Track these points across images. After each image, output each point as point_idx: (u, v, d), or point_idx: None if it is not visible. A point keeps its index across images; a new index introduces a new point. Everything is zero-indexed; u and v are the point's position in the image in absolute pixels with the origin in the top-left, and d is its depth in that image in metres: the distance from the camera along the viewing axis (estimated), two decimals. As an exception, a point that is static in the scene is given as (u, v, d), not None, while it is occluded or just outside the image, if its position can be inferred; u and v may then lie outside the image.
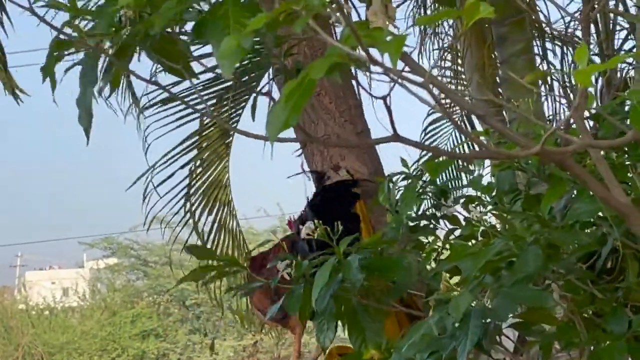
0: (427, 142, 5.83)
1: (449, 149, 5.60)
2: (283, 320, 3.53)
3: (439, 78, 6.06)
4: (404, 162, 2.47)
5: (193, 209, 5.15)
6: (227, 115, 5.02)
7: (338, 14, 1.33)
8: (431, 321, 1.93)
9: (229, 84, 4.90)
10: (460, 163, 4.98)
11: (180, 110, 4.98)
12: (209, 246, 5.32)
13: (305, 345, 18.46)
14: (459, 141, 5.86)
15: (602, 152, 1.96)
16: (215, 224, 5.34)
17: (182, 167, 5.06)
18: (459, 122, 6.01)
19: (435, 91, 1.55)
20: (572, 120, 1.78)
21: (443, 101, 6.01)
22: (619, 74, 4.80)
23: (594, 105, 2.37)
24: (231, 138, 5.14)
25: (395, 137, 1.46)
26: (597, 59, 5.13)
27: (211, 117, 4.80)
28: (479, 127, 5.75)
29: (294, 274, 2.37)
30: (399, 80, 1.44)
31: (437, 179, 2.44)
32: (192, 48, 1.83)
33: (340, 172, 3.00)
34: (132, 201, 5.31)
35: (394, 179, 2.45)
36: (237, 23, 1.48)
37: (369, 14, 1.48)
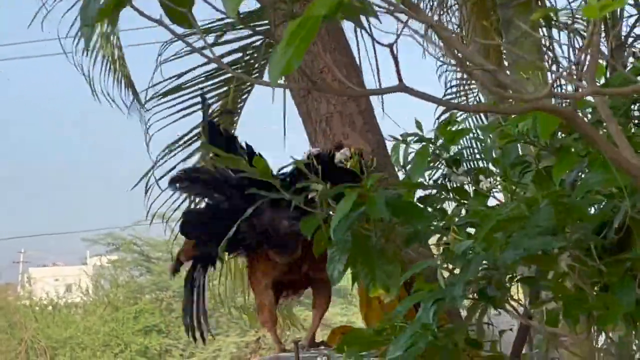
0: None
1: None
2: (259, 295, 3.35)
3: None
4: (418, 124, 2.40)
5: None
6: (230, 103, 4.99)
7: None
8: (433, 265, 1.91)
9: (229, 75, 4.87)
10: (474, 133, 4.93)
11: (183, 102, 4.96)
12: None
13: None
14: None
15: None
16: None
17: (185, 159, 5.02)
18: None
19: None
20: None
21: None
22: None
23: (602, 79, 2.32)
24: (234, 129, 5.11)
25: (402, 87, 1.40)
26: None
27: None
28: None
29: (317, 197, 2.31)
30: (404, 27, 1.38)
31: (450, 148, 2.38)
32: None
33: (343, 150, 2.95)
34: (134, 197, 5.27)
35: (408, 139, 2.38)
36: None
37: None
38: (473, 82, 5.88)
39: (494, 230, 1.83)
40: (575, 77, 1.45)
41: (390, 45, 1.40)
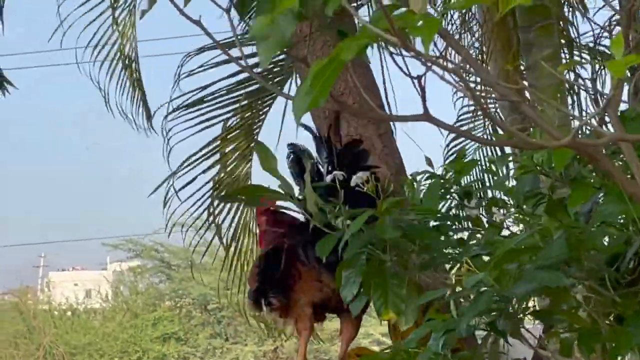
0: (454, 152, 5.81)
1: (475, 156, 5.57)
2: (284, 310, 3.31)
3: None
4: (427, 160, 2.45)
5: (216, 212, 5.14)
6: (252, 118, 5.01)
7: None
8: (447, 297, 1.94)
9: (249, 89, 4.90)
10: (485, 165, 4.95)
11: (203, 114, 4.98)
12: (232, 250, 5.34)
13: (325, 353, 18.42)
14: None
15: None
16: (240, 227, 5.33)
17: (204, 171, 5.04)
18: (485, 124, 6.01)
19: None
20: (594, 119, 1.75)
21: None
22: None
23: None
24: (255, 140, 5.12)
25: (426, 116, 1.44)
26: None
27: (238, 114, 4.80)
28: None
29: (332, 219, 2.36)
30: (431, 64, 1.42)
31: (462, 180, 2.42)
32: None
33: (360, 173, 2.98)
34: (156, 202, 5.31)
35: (418, 177, 2.43)
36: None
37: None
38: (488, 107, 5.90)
39: (505, 260, 1.86)
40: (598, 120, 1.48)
41: (419, 78, 1.43)
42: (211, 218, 5.12)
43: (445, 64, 1.60)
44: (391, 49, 1.62)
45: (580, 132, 2.17)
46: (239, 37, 1.79)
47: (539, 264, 1.92)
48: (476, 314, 1.84)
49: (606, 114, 1.69)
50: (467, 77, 1.56)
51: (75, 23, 5.19)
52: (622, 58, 1.27)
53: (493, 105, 6.01)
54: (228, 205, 5.16)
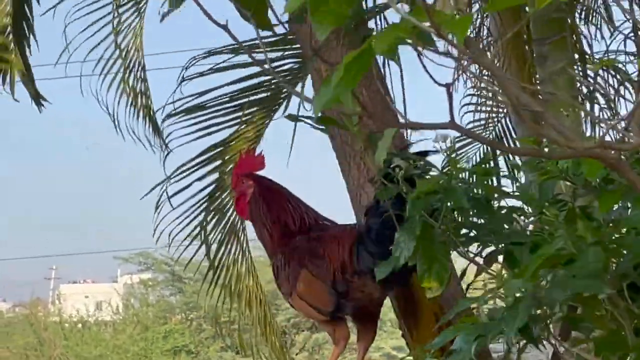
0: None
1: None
2: (334, 323, 3.05)
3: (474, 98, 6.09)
4: (452, 163, 2.46)
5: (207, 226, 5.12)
6: (256, 125, 4.99)
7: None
8: (480, 302, 1.93)
9: (254, 98, 4.88)
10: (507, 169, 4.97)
11: (203, 121, 4.91)
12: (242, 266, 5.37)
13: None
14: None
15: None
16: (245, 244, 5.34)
17: (200, 179, 4.96)
18: (498, 131, 6.05)
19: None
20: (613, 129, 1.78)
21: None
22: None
23: None
24: (258, 145, 5.07)
25: (453, 125, 1.47)
26: None
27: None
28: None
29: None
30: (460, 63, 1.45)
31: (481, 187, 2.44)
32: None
33: (376, 185, 2.97)
34: (168, 217, 5.26)
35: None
36: None
37: (437, 6, 1.50)
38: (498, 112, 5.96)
39: (543, 266, 1.87)
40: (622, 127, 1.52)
41: (447, 85, 1.46)
42: (202, 233, 5.08)
43: (471, 67, 1.64)
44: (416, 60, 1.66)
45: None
46: (259, 39, 1.82)
47: (574, 272, 1.90)
48: (518, 321, 1.83)
49: (624, 122, 1.73)
50: (489, 86, 1.60)
51: (82, 42, 5.17)
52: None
53: (502, 116, 6.06)
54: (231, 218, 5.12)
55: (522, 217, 2.43)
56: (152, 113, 5.48)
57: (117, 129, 5.41)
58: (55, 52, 5.12)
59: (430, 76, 1.51)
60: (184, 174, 4.89)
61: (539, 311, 1.91)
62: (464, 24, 1.31)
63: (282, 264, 3.11)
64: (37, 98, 5.39)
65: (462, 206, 2.22)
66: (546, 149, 2.20)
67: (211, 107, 4.88)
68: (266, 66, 1.97)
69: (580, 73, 5.33)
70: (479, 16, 5.83)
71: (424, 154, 2.70)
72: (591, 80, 5.48)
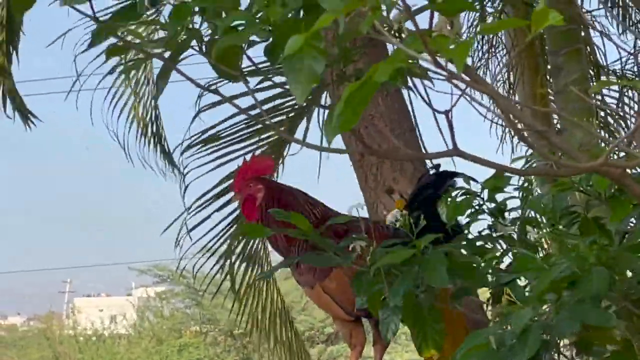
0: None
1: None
2: (352, 325, 3.05)
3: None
4: (466, 179, 2.45)
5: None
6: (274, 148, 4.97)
7: (400, 21, 1.34)
8: (491, 334, 1.90)
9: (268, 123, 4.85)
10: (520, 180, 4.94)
11: (219, 149, 4.86)
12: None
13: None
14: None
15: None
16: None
17: (219, 209, 4.92)
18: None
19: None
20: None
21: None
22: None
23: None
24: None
25: (455, 151, 1.46)
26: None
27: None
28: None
29: (370, 260, 2.26)
30: (460, 91, 1.45)
31: (495, 198, 2.42)
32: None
33: (393, 195, 2.97)
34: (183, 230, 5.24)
35: (454, 194, 2.43)
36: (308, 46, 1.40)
37: (434, 29, 1.48)
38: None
39: (547, 291, 1.85)
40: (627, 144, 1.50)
41: (446, 112, 1.45)
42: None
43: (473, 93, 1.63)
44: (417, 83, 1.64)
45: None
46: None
47: (579, 295, 1.89)
48: (528, 351, 1.80)
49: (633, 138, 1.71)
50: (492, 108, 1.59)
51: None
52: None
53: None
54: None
55: (535, 229, 2.41)
56: (163, 142, 5.50)
57: (127, 156, 5.43)
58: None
59: (429, 104, 1.50)
60: (203, 206, 4.84)
61: (547, 336, 1.88)
62: (463, 50, 1.29)
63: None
64: (26, 116, 5.40)
65: (441, 284, 2.17)
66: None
67: (226, 135, 4.83)
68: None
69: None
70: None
71: (454, 174, 2.68)
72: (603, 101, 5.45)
